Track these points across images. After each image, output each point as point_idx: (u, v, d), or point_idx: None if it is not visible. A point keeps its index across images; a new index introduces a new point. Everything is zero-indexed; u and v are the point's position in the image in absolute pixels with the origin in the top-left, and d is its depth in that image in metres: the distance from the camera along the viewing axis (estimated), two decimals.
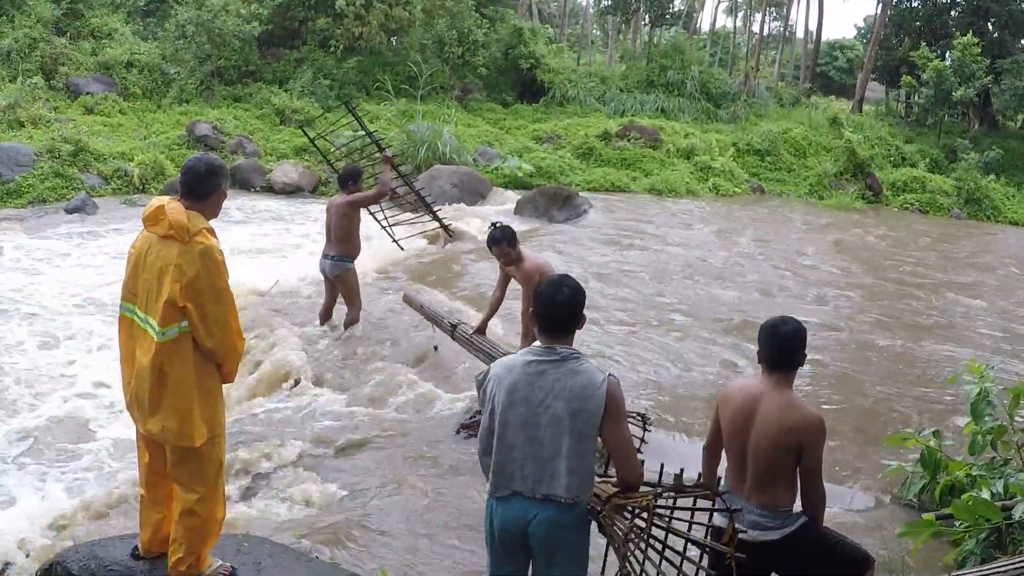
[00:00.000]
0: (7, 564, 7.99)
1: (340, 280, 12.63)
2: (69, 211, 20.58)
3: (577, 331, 5.18)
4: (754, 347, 5.83)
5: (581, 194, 22.24)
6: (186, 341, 5.31)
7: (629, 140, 27.02)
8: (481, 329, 9.85)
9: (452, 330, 10.08)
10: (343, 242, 12.47)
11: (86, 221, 19.95)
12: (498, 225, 9.51)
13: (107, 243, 18.29)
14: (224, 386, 5.73)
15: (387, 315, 13.16)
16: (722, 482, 5.81)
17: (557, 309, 5.07)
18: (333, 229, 12.58)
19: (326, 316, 13.03)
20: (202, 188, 5.44)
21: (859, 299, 15.95)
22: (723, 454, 5.91)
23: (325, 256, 12.67)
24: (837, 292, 16.28)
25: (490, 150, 26.11)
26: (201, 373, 5.41)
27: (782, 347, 5.52)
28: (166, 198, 5.46)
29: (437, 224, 16.70)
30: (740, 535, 5.30)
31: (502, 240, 9.36)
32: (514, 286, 9.62)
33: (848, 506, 8.68)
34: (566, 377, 4.97)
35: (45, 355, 13.01)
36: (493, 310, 9.92)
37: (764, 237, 20.33)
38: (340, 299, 12.87)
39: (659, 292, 15.42)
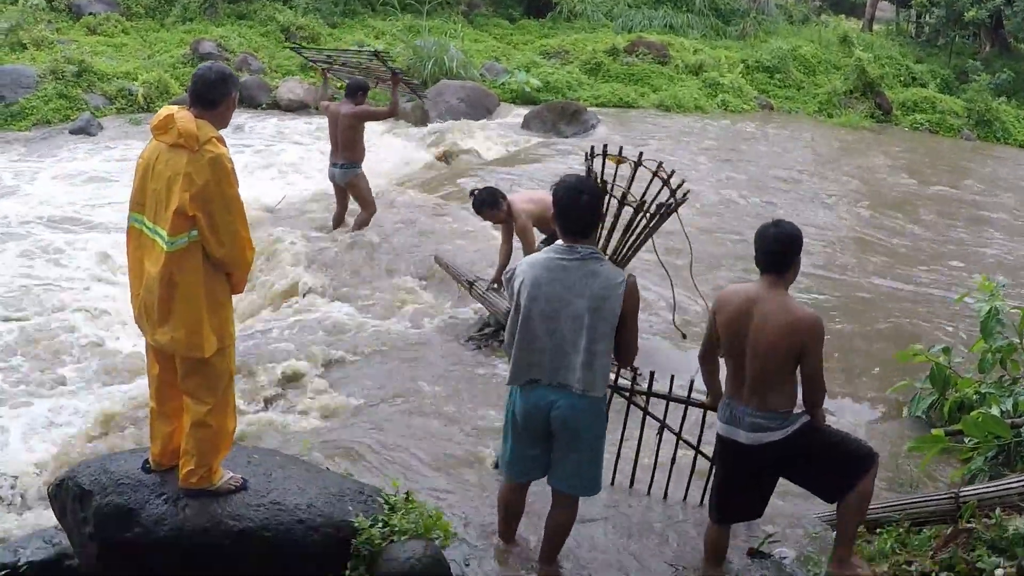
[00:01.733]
0: (19, 490, 8.06)
1: (351, 185, 12.82)
2: (74, 132, 20.36)
3: None
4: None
5: (589, 109, 22.13)
6: (196, 251, 5.25)
7: (637, 56, 26.71)
8: (497, 279, 9.73)
9: (469, 287, 10.00)
10: (349, 149, 12.67)
11: (91, 141, 19.80)
12: (476, 191, 9.45)
13: (112, 159, 18.17)
14: (234, 299, 5.71)
15: (397, 229, 13.12)
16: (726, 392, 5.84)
17: (578, 213, 5.34)
18: (340, 138, 12.64)
19: (338, 223, 13.17)
20: (212, 96, 5.35)
21: (867, 218, 15.82)
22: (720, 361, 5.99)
23: (333, 164, 12.83)
24: (844, 210, 16.14)
25: (497, 65, 25.83)
26: (211, 283, 5.36)
27: (773, 249, 5.57)
28: (175, 107, 5.37)
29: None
30: (739, 440, 5.57)
31: (483, 205, 9.46)
32: None
33: (856, 420, 8.68)
34: (587, 276, 5.29)
35: (55, 272, 13.00)
36: (505, 261, 9.74)
37: (771, 153, 20.15)
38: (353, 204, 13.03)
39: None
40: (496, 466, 7.05)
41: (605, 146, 6.93)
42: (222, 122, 5.41)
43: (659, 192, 6.44)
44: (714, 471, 6.11)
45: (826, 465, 5.74)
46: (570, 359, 5.34)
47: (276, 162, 18.82)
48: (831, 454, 5.74)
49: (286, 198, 14.72)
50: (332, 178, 12.98)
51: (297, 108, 23.51)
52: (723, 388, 5.87)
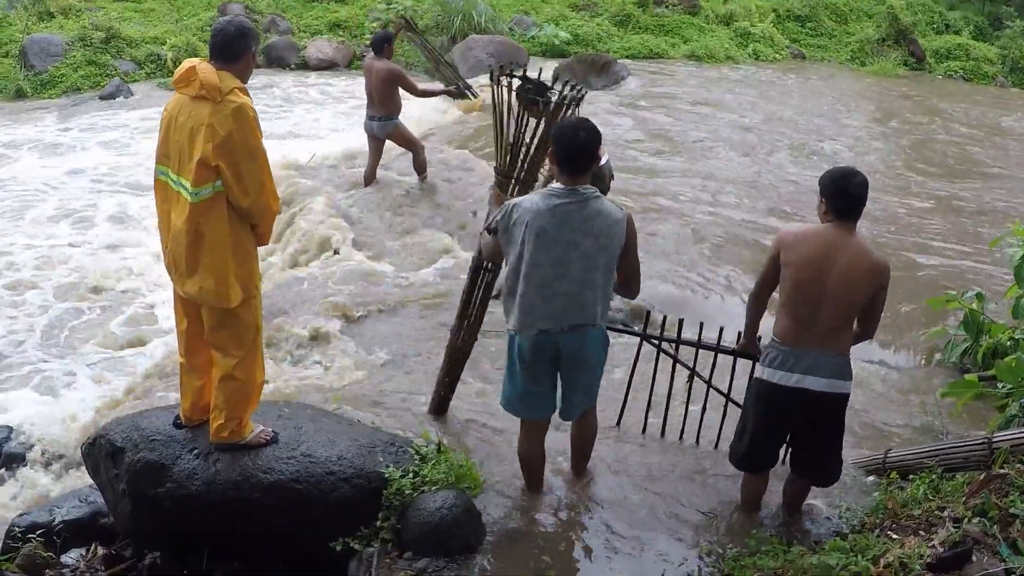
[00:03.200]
0: (56, 452, 8.15)
1: (392, 137, 12.92)
2: (104, 98, 20.43)
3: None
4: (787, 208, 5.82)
5: (619, 61, 21.89)
6: (220, 201, 5.26)
7: (667, 7, 26.44)
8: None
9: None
10: (384, 104, 12.70)
11: (121, 106, 19.86)
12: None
13: (143, 122, 18.24)
14: (265, 254, 5.72)
15: (428, 183, 13.09)
16: (770, 339, 5.80)
17: (577, 150, 5.41)
18: (375, 93, 12.65)
19: (370, 179, 13.16)
20: (232, 49, 5.33)
21: (900, 166, 15.60)
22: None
23: (371, 118, 12.84)
24: (876, 158, 15.91)
25: (526, 19, 25.62)
26: (236, 233, 5.37)
27: (856, 196, 5.59)
28: (196, 60, 5.36)
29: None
30: (808, 387, 5.56)
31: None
32: None
33: (890, 366, 8.62)
34: (592, 217, 5.42)
35: (87, 233, 13.12)
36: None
37: (805, 102, 19.92)
38: (382, 163, 13.26)
39: (700, 153, 15.22)
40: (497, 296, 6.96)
41: (501, 66, 6.66)
42: (243, 74, 5.40)
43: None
44: (743, 421, 6.04)
45: (833, 446, 5.90)
46: (584, 297, 5.50)
47: (305, 121, 18.85)
48: (839, 438, 5.91)
49: (316, 155, 14.69)
50: (369, 131, 12.98)
51: (326, 67, 23.47)
52: (779, 334, 5.74)
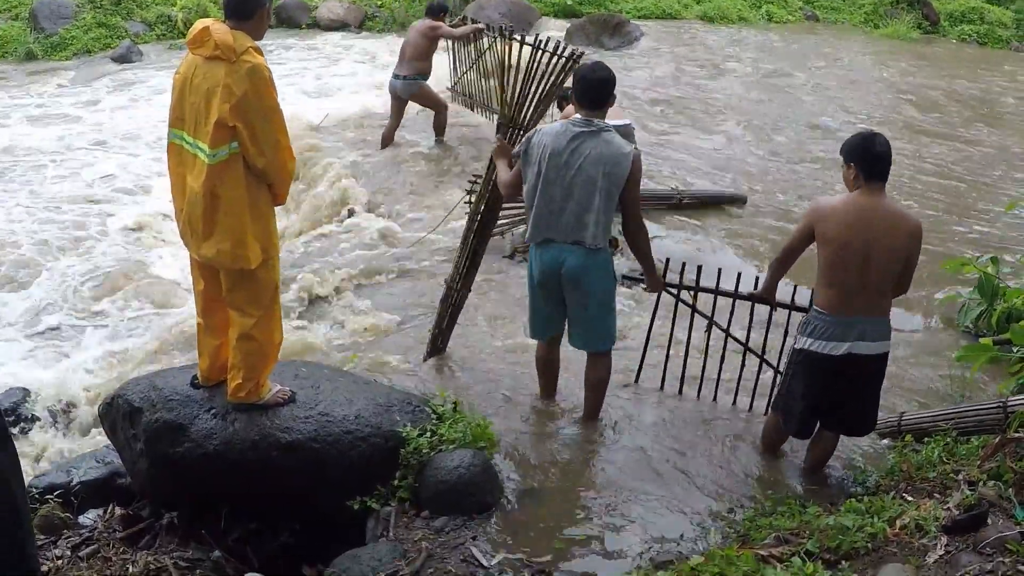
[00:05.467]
0: (75, 414, 8.19)
1: (416, 97, 12.89)
2: (115, 60, 20.36)
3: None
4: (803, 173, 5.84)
5: (632, 21, 21.76)
6: (237, 162, 5.23)
7: None
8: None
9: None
10: (418, 60, 12.68)
11: (132, 67, 19.83)
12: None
13: (154, 82, 18.23)
14: (280, 215, 5.71)
15: (445, 143, 13.10)
16: (818, 309, 5.82)
17: (594, 84, 6.03)
18: (409, 47, 12.74)
19: (388, 140, 13.11)
20: (246, 7, 5.27)
21: (915, 130, 15.53)
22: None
23: (396, 76, 12.80)
24: (891, 123, 15.84)
25: None
26: (253, 194, 5.34)
27: (882, 155, 5.65)
28: (210, 20, 5.32)
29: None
30: (860, 352, 5.70)
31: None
32: None
33: (903, 329, 8.60)
34: (601, 146, 5.96)
35: (101, 196, 13.13)
36: None
37: (819, 64, 19.79)
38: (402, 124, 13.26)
39: (708, 113, 15.17)
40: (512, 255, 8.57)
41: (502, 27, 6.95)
42: (257, 33, 5.34)
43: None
44: (791, 392, 6.04)
45: (874, 399, 5.99)
46: (585, 218, 6.01)
47: (317, 81, 18.77)
48: (878, 389, 5.99)
49: (329, 115, 14.65)
50: (393, 90, 12.91)
51: (338, 27, 23.39)
52: (823, 305, 5.77)
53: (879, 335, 5.72)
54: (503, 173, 6.49)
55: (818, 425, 6.12)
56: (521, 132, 6.63)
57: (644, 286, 6.79)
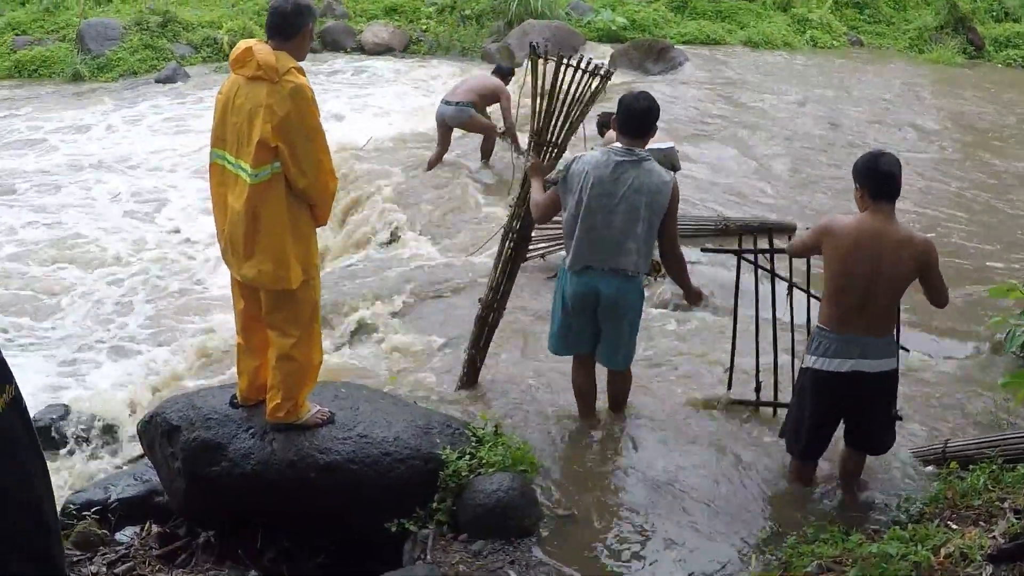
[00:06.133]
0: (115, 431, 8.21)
1: (465, 124, 12.85)
2: (160, 81, 20.65)
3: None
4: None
5: (676, 47, 21.67)
6: (279, 182, 5.24)
7: None
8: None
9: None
10: (475, 96, 12.69)
11: (177, 90, 20.05)
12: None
13: (200, 105, 18.37)
14: (323, 237, 5.71)
15: (491, 167, 13.11)
16: (821, 326, 5.82)
17: (637, 114, 6.16)
18: (471, 83, 12.97)
19: (434, 164, 13.06)
20: (289, 27, 5.29)
21: (959, 155, 15.30)
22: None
23: (447, 103, 12.77)
24: (935, 146, 15.66)
25: (583, 4, 25.38)
26: (295, 214, 5.34)
27: (888, 174, 5.63)
28: (252, 40, 5.35)
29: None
30: (863, 370, 5.67)
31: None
32: None
33: (951, 356, 8.49)
34: (643, 175, 6.08)
35: (145, 216, 13.24)
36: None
37: (864, 90, 19.62)
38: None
39: (754, 140, 15.06)
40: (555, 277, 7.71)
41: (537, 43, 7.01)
42: (300, 53, 5.36)
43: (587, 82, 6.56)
44: (799, 412, 6.02)
45: (886, 419, 5.99)
46: (626, 246, 6.12)
47: (361, 105, 18.88)
48: (891, 411, 5.99)
49: (373, 139, 14.70)
50: (441, 117, 12.87)
51: (382, 52, 23.57)
52: (827, 323, 5.77)
53: (882, 353, 5.72)
54: (537, 194, 6.53)
55: (842, 444, 6.14)
56: (554, 150, 6.74)
57: (688, 303, 7.04)
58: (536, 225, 7.14)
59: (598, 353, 6.57)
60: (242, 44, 5.31)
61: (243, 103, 5.20)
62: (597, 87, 6.55)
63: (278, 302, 5.48)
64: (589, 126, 8.22)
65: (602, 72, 6.52)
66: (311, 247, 5.52)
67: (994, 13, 27.22)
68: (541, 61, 6.72)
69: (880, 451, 6.17)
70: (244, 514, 5.86)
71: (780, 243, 10.17)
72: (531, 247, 9.29)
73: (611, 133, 9.19)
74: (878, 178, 5.63)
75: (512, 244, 7.12)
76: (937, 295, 5.79)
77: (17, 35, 22.66)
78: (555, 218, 8.01)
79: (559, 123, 6.70)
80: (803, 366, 5.98)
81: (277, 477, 5.62)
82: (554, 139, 6.74)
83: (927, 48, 24.91)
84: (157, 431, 6.01)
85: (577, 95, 6.58)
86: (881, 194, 5.62)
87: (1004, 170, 14.55)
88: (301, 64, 5.34)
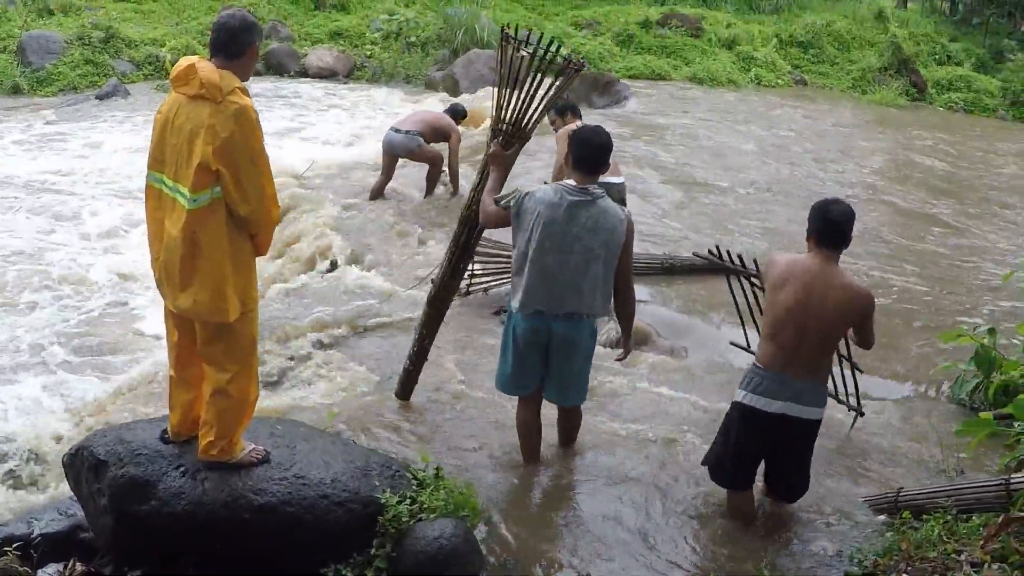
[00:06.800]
0: (40, 462, 7.88)
1: (413, 154, 12.64)
2: (100, 97, 20.28)
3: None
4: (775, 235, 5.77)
5: (621, 81, 21.69)
6: (219, 208, 5.00)
7: (670, 28, 26.28)
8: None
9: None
10: (426, 124, 12.60)
11: (117, 107, 19.69)
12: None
13: (140, 126, 18.04)
14: (259, 266, 5.50)
15: (434, 197, 12.91)
16: (756, 363, 5.96)
17: (594, 151, 6.05)
18: (423, 115, 12.90)
19: (377, 194, 12.84)
20: (235, 45, 5.07)
21: (904, 196, 15.30)
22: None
23: (396, 131, 12.56)
24: (880, 187, 15.65)
25: (530, 36, 25.34)
26: (235, 243, 5.11)
27: (838, 223, 5.76)
28: (195, 57, 5.11)
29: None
30: (789, 413, 5.77)
31: (552, 109, 9.66)
32: None
33: (898, 401, 8.39)
34: (598, 214, 5.97)
35: (79, 243, 12.88)
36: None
37: (805, 130, 19.66)
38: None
39: (690, 174, 14.98)
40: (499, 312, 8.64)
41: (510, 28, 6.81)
42: (245, 73, 5.14)
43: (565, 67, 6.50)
44: (724, 444, 6.11)
45: (803, 467, 6.11)
46: (581, 287, 6.00)
47: (303, 129, 18.62)
48: (808, 459, 6.10)
49: (314, 163, 14.45)
50: (389, 144, 12.60)
51: (327, 76, 23.43)
52: (762, 361, 5.88)
53: (813, 400, 5.81)
54: (489, 198, 6.37)
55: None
56: (518, 141, 6.57)
57: (620, 353, 6.74)
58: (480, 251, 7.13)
59: (548, 391, 6.44)
60: (184, 61, 5.06)
61: (184, 123, 4.96)
62: (570, 79, 6.49)
63: (215, 335, 5.23)
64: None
65: (577, 66, 6.44)
66: (251, 278, 5.28)
67: (937, 56, 27.66)
68: (512, 48, 6.57)
69: (792, 499, 6.24)
70: (174, 554, 5.58)
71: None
72: (474, 281, 9.13)
73: (565, 128, 9.71)
74: (825, 224, 5.77)
75: (466, 231, 6.92)
76: (867, 340, 6.05)
77: None
78: (500, 254, 7.95)
79: (527, 113, 6.49)
80: (734, 400, 6.05)
81: (209, 517, 5.38)
82: (521, 129, 6.53)
83: (870, 89, 25.18)
84: (83, 465, 5.76)
85: (550, 87, 6.46)
86: (824, 241, 5.78)
87: (950, 211, 14.56)
88: (246, 85, 5.11)
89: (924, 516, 6.02)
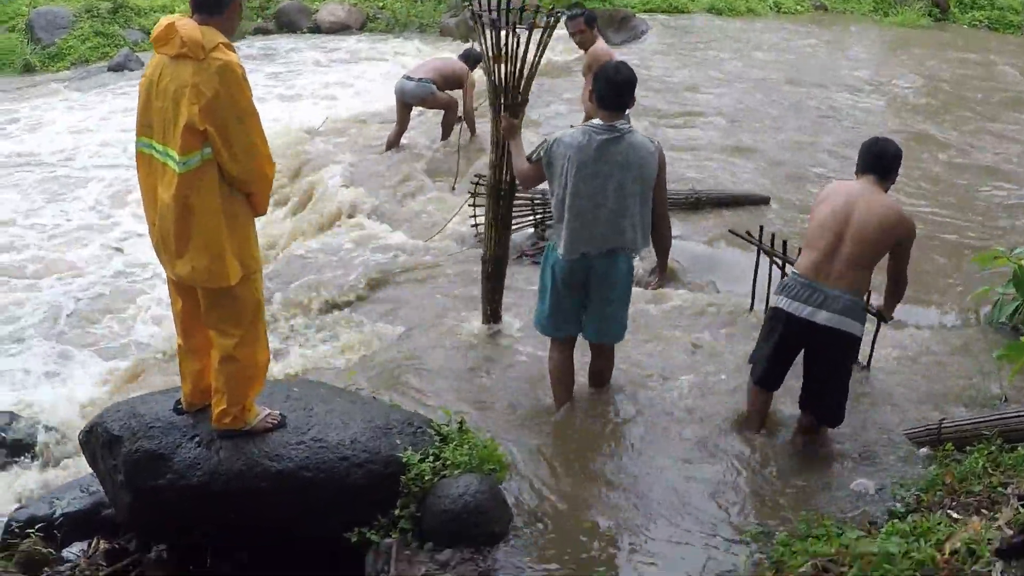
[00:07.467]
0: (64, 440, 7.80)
1: (426, 101, 12.52)
2: (112, 69, 20.11)
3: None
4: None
5: (638, 15, 21.40)
6: (210, 170, 4.78)
7: None
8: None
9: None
10: (438, 72, 12.42)
11: (130, 77, 19.49)
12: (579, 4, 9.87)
13: None
14: (274, 224, 5.30)
15: (450, 144, 12.58)
16: (792, 269, 6.21)
17: (618, 86, 5.96)
18: (437, 64, 12.73)
19: (392, 144, 12.70)
20: (215, 0, 4.85)
21: (933, 121, 14.84)
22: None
23: (408, 78, 12.39)
24: (908, 114, 15.20)
25: None
26: (229, 204, 4.89)
27: (879, 154, 6.01)
28: (175, 16, 4.89)
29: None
30: (815, 320, 5.83)
31: (580, 15, 10.16)
32: None
33: (936, 328, 8.13)
34: (627, 150, 5.93)
35: (91, 216, 12.79)
36: None
37: (828, 58, 19.15)
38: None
39: (721, 110, 14.62)
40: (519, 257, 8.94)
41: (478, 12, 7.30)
42: (229, 28, 4.88)
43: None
44: (762, 342, 6.25)
45: (833, 383, 6.05)
46: (621, 225, 6.01)
47: (318, 84, 18.46)
48: (841, 377, 6.06)
49: (328, 119, 14.25)
50: (400, 92, 12.42)
51: (339, 30, 23.12)
52: (799, 267, 6.05)
53: (841, 308, 5.81)
54: (520, 162, 6.45)
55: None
56: (522, 105, 7.03)
57: (655, 281, 7.14)
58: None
59: (587, 330, 6.46)
60: (164, 20, 4.82)
61: (168, 85, 4.73)
62: (546, 36, 6.94)
63: (216, 300, 5.04)
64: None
65: (547, 24, 6.82)
66: (250, 239, 5.06)
67: None
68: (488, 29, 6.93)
69: (824, 419, 6.18)
70: (193, 527, 5.45)
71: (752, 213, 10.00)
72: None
73: (596, 47, 10.14)
74: (867, 155, 6.03)
75: (503, 198, 7.46)
76: (896, 280, 6.17)
77: None
78: (518, 198, 7.85)
79: (520, 82, 6.95)
80: (770, 304, 6.39)
81: (225, 488, 5.21)
82: (520, 97, 6.98)
83: (892, 11, 24.63)
84: (98, 442, 5.60)
85: (534, 55, 6.85)
86: (867, 168, 6.00)
87: (982, 134, 14.11)
88: (231, 41, 4.88)
89: (967, 448, 5.83)
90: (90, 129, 16.47)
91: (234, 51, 4.80)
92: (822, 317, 5.80)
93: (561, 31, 9.20)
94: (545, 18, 6.75)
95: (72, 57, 20.96)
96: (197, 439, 5.35)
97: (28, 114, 17.59)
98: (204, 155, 4.73)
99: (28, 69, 20.60)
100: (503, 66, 6.89)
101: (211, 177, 4.79)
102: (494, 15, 7.12)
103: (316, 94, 17.69)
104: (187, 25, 4.73)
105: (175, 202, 4.80)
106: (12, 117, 17.42)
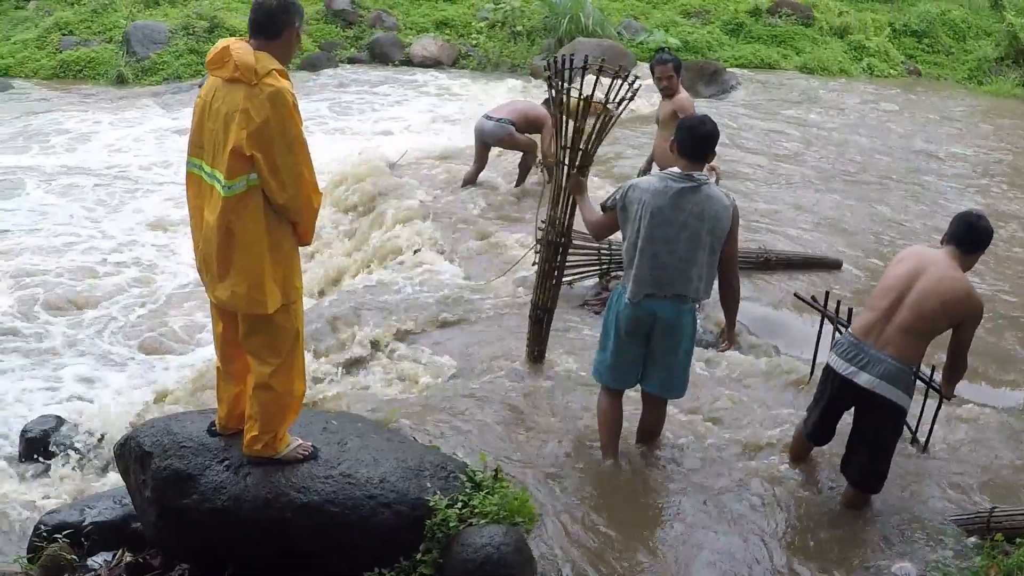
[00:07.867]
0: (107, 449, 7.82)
1: (504, 142, 12.36)
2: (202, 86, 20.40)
3: None
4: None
5: (728, 70, 21.28)
6: (255, 196, 4.78)
7: (780, 16, 25.58)
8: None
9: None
10: (519, 113, 12.28)
11: None
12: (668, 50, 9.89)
13: None
14: (339, 255, 5.27)
15: (525, 188, 12.55)
16: (849, 332, 6.16)
17: (701, 139, 6.07)
18: (520, 106, 12.58)
19: (470, 182, 12.62)
20: (272, 25, 4.83)
21: (1020, 205, 14.53)
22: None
23: (488, 117, 12.30)
24: (1003, 189, 14.89)
25: (635, 23, 24.90)
26: (273, 232, 4.88)
27: (968, 226, 5.93)
28: (232, 39, 4.90)
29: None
30: (857, 381, 5.85)
31: (669, 62, 9.93)
32: None
33: (997, 408, 7.84)
34: (703, 201, 5.99)
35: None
36: None
37: (917, 125, 18.79)
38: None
39: (804, 169, 14.40)
40: (583, 306, 9.21)
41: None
42: (285, 54, 4.90)
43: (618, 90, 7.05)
44: (815, 397, 6.32)
45: (870, 449, 6.02)
46: (689, 274, 6.05)
47: (403, 118, 18.47)
48: (878, 444, 6.01)
49: (408, 152, 14.25)
50: (480, 131, 12.34)
51: (431, 65, 23.16)
52: (853, 327, 6.11)
53: (884, 373, 5.79)
54: (589, 214, 6.64)
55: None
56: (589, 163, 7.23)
57: (723, 344, 6.94)
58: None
59: (649, 383, 6.47)
60: (220, 43, 4.85)
61: (220, 107, 4.75)
62: (628, 100, 7.04)
63: (255, 326, 5.02)
64: None
65: (630, 94, 6.97)
66: (293, 268, 5.04)
67: None
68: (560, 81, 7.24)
69: (860, 486, 6.12)
70: (216, 550, 5.42)
71: (823, 277, 9.79)
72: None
73: (679, 97, 10.04)
74: (957, 224, 5.96)
75: (560, 253, 7.61)
76: (954, 360, 6.04)
77: (64, 35, 22.44)
78: (586, 246, 7.77)
79: (594, 139, 7.12)
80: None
81: (249, 515, 5.21)
82: (590, 156, 7.19)
83: (986, 80, 24.27)
84: (131, 456, 5.64)
85: (611, 118, 7.03)
86: (952, 237, 5.94)
87: None
88: (285, 68, 4.87)
89: (1018, 539, 5.61)
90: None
91: (288, 78, 4.80)
92: (863, 379, 5.80)
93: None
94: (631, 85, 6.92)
95: (164, 72, 21.22)
96: (227, 463, 5.34)
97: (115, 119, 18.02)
98: (250, 181, 4.73)
99: (121, 80, 20.92)
100: (573, 123, 7.02)
101: (255, 204, 4.78)
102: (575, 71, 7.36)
103: (397, 127, 17.72)
104: (242, 49, 4.74)
105: (219, 225, 4.80)
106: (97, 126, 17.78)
